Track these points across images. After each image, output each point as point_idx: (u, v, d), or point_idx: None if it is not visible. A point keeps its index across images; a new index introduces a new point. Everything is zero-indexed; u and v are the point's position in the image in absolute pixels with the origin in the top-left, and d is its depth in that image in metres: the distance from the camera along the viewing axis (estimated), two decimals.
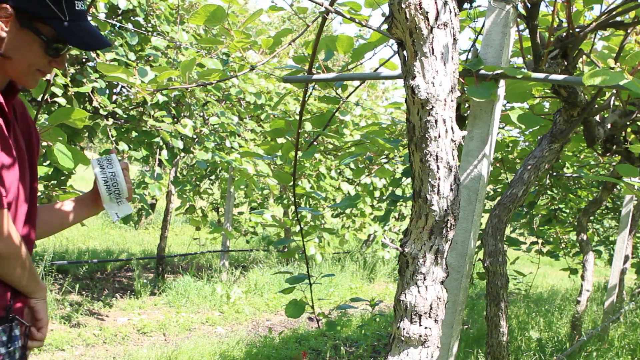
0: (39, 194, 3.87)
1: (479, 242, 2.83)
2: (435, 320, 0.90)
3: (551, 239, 5.47)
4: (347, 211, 6.68)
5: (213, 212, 9.40)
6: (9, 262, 1.16)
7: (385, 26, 1.80)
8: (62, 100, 3.63)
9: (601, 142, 2.61)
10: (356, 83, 2.42)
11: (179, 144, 4.49)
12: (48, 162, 3.16)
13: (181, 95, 4.75)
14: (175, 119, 4.73)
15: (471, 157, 1.57)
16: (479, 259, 2.42)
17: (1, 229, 1.12)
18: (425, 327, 0.89)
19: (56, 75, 3.46)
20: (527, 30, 1.74)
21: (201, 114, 5.40)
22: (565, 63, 1.79)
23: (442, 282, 0.90)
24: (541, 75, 1.56)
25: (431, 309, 0.89)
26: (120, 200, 1.38)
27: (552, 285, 10.38)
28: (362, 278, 8.62)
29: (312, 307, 2.38)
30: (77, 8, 1.15)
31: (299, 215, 3.80)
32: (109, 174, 1.34)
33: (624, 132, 2.64)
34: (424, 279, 0.89)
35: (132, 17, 4.60)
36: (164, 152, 4.64)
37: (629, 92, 2.09)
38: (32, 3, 1.11)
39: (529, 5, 1.69)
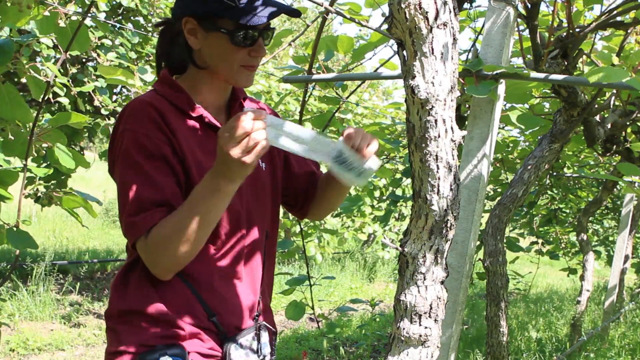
0: (39, 194, 3.88)
1: (479, 242, 2.83)
2: (435, 320, 0.90)
3: (551, 239, 5.47)
4: None
5: None
6: (172, 243, 1.07)
7: (385, 26, 1.80)
8: (64, 100, 3.63)
9: (601, 142, 2.61)
10: (357, 83, 2.42)
11: None
12: (48, 162, 3.16)
13: None
14: None
15: (471, 157, 1.57)
16: (479, 259, 2.42)
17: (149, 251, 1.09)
18: (425, 327, 0.90)
19: (56, 75, 3.46)
20: (527, 30, 1.74)
21: None
22: (565, 63, 1.79)
23: (442, 282, 0.91)
24: (541, 75, 1.56)
25: (431, 308, 0.89)
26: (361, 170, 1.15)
27: (552, 285, 10.38)
28: (362, 278, 8.62)
29: (312, 308, 2.38)
30: None
31: None
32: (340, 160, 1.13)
33: (624, 132, 2.64)
34: (424, 279, 0.89)
35: (132, 17, 4.61)
36: None
37: (629, 91, 2.09)
38: (198, 3, 1.13)
39: (529, 5, 1.69)
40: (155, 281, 1.15)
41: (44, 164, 3.45)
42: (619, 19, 1.75)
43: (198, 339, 1.16)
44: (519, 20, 1.69)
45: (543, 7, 1.82)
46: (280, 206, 1.39)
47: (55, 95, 3.59)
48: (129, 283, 1.19)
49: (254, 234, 1.24)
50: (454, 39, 0.81)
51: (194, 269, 1.16)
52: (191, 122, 1.18)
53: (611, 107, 2.15)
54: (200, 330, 1.16)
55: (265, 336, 1.25)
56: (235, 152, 0.98)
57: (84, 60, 4.24)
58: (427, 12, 0.78)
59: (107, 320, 1.21)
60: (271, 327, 1.29)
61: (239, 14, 1.11)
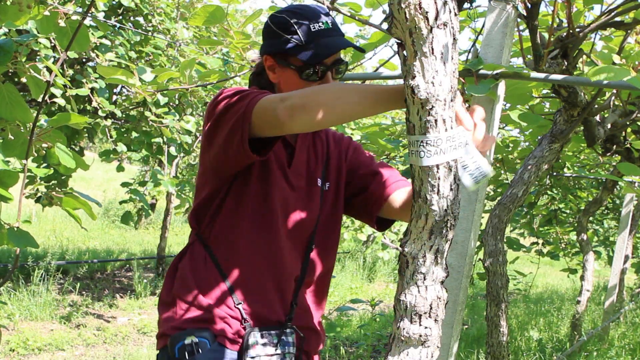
0: (39, 195, 3.87)
1: (479, 242, 2.83)
2: (435, 320, 0.90)
3: (551, 239, 5.47)
4: None
5: None
6: (319, 108, 1.06)
7: (385, 25, 1.80)
8: (61, 101, 3.63)
9: (601, 142, 2.61)
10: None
11: (188, 139, 4.48)
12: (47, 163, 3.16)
13: (182, 94, 4.75)
14: (179, 118, 4.73)
15: None
16: (479, 259, 2.41)
17: (279, 98, 1.11)
18: (425, 327, 0.89)
19: (56, 75, 3.46)
20: (527, 30, 1.74)
21: (202, 114, 5.40)
22: (566, 63, 1.79)
23: (442, 282, 0.90)
24: (541, 75, 1.56)
25: (431, 308, 0.89)
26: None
27: (552, 285, 10.38)
28: (362, 278, 8.62)
29: None
30: (313, 30, 1.27)
31: None
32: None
33: (624, 132, 2.64)
34: (424, 279, 0.89)
35: (132, 17, 4.60)
36: (172, 149, 4.64)
37: (629, 91, 2.09)
38: (278, 46, 1.28)
39: (529, 5, 1.69)
40: (196, 270, 1.30)
41: (44, 164, 3.45)
42: (618, 19, 1.75)
43: (226, 323, 1.27)
44: (519, 20, 1.69)
45: (543, 7, 1.82)
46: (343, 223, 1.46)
47: (52, 96, 3.59)
48: (177, 272, 1.34)
49: (295, 242, 1.33)
50: (454, 39, 0.81)
51: (229, 263, 1.29)
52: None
53: (611, 107, 2.15)
54: (227, 315, 1.27)
55: (291, 337, 1.31)
56: None
57: (83, 60, 4.24)
58: (427, 12, 0.77)
59: (158, 306, 1.37)
60: (300, 333, 1.34)
61: (305, 53, 1.26)
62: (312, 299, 1.41)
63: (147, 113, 4.37)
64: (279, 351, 1.28)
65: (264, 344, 1.27)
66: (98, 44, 3.94)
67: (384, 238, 1.01)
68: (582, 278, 4.43)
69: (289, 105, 1.08)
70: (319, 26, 1.27)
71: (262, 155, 1.20)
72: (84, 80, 3.97)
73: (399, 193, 1.38)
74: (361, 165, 1.44)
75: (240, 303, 1.28)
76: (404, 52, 0.83)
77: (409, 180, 1.37)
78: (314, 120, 1.06)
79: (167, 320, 1.31)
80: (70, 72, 3.95)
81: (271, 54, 1.30)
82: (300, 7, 1.30)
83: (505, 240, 2.30)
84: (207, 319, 1.27)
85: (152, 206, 10.97)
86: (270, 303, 1.31)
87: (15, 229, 1.45)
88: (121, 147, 4.41)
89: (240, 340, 1.26)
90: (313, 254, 1.37)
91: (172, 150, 4.64)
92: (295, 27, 1.26)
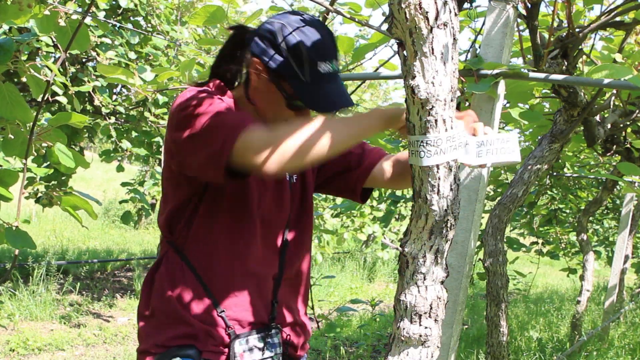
0: (39, 194, 3.87)
1: (479, 242, 2.83)
2: (435, 320, 0.90)
3: (551, 239, 5.47)
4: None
5: None
6: (297, 157, 1.06)
7: (385, 26, 1.80)
8: (63, 99, 3.63)
9: (601, 142, 2.61)
10: (357, 83, 2.42)
11: None
12: (48, 162, 3.16)
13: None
14: None
15: None
16: (479, 259, 2.41)
17: (256, 142, 1.07)
18: (425, 327, 0.89)
19: (56, 75, 3.46)
20: (527, 30, 1.74)
21: None
22: (565, 63, 1.79)
23: (442, 282, 0.91)
24: (541, 75, 1.56)
25: (431, 308, 0.89)
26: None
27: (552, 285, 10.38)
28: (362, 278, 8.62)
29: (312, 308, 2.38)
30: (321, 71, 1.19)
31: None
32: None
33: (624, 132, 2.64)
34: (424, 279, 0.89)
35: (131, 17, 4.60)
36: None
37: (629, 91, 2.09)
38: (277, 62, 1.18)
39: (529, 5, 1.69)
40: (174, 281, 1.25)
41: (44, 164, 3.45)
42: (618, 19, 1.75)
43: (210, 337, 1.22)
44: (519, 20, 1.69)
45: (543, 7, 1.82)
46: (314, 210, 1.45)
47: (54, 94, 3.59)
48: (154, 283, 1.29)
49: (270, 241, 1.31)
50: (454, 39, 0.81)
51: (206, 269, 1.25)
52: None
53: (611, 107, 2.15)
54: (210, 326, 1.23)
55: (276, 337, 1.29)
56: None
57: (83, 60, 4.24)
58: (427, 12, 0.77)
59: (137, 319, 1.32)
60: (284, 331, 1.33)
61: (303, 90, 1.18)
62: (293, 294, 1.38)
63: (146, 113, 4.37)
64: (266, 355, 1.26)
65: (250, 350, 1.24)
66: (98, 43, 3.95)
67: (384, 238, 1.01)
68: (582, 278, 4.43)
69: (278, 157, 1.05)
70: (327, 68, 1.20)
71: (239, 179, 1.14)
72: (85, 79, 3.97)
73: (381, 165, 1.39)
74: None
75: (223, 311, 1.24)
76: (404, 52, 0.83)
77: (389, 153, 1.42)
78: (303, 164, 1.08)
79: (148, 336, 1.27)
80: (72, 70, 3.95)
81: (264, 63, 1.20)
82: (318, 41, 1.19)
83: (505, 240, 2.30)
84: (190, 335, 1.22)
85: (152, 206, 10.96)
86: (251, 305, 1.27)
87: (14, 228, 1.45)
88: (125, 143, 4.40)
89: (227, 350, 1.23)
90: (289, 250, 1.34)
91: None
92: (306, 60, 1.17)
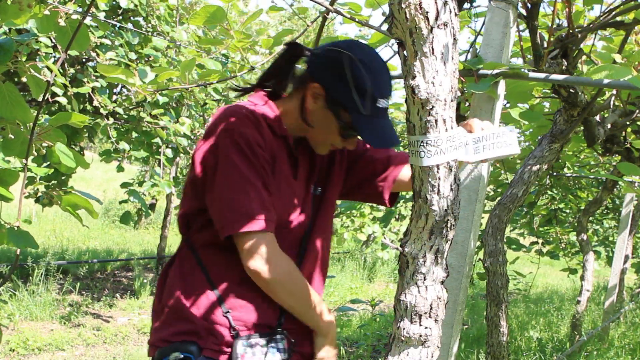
0: (39, 194, 3.87)
1: (479, 242, 2.82)
2: (436, 320, 0.90)
3: (551, 239, 5.47)
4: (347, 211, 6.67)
5: None
6: (275, 287, 1.23)
7: (385, 26, 1.80)
8: (62, 100, 3.63)
9: (601, 142, 2.61)
10: None
11: (184, 142, 4.48)
12: (48, 162, 3.16)
13: (181, 95, 4.75)
14: (175, 120, 4.73)
15: None
16: (479, 259, 2.41)
17: (264, 253, 1.19)
18: (426, 327, 0.90)
19: (56, 75, 3.47)
20: (527, 31, 1.74)
21: (201, 114, 5.40)
22: (565, 63, 1.79)
23: (442, 282, 0.91)
24: (541, 75, 1.56)
25: (431, 309, 0.89)
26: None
27: (552, 285, 10.38)
28: (362, 278, 8.63)
29: None
30: (379, 105, 1.23)
31: None
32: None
33: (624, 132, 2.64)
34: (424, 279, 0.89)
35: (131, 17, 4.60)
36: (168, 151, 4.64)
37: (629, 91, 2.09)
38: (339, 92, 1.23)
39: (529, 5, 1.69)
40: (184, 278, 1.30)
41: (44, 164, 3.45)
42: (618, 19, 1.75)
43: (212, 335, 1.25)
44: (519, 20, 1.69)
45: (543, 8, 1.82)
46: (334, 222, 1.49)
47: (54, 95, 3.59)
48: (166, 280, 1.34)
49: (286, 248, 1.31)
50: (454, 39, 0.81)
51: (218, 271, 1.28)
52: (277, 139, 1.31)
53: (611, 107, 2.15)
54: (213, 325, 1.25)
55: (281, 343, 1.30)
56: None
57: (83, 60, 4.23)
58: (427, 12, 0.77)
59: (151, 313, 1.38)
60: (291, 337, 1.33)
61: (361, 121, 1.23)
62: None
63: (142, 114, 4.37)
64: (268, 358, 1.27)
65: (253, 352, 1.25)
66: (98, 44, 3.95)
67: (384, 238, 1.02)
68: (582, 278, 4.43)
69: (257, 278, 1.21)
70: (384, 104, 1.25)
71: None
72: (84, 80, 3.97)
73: (406, 168, 1.45)
74: (361, 156, 1.46)
75: (229, 311, 1.26)
76: (404, 52, 0.83)
77: None
78: (269, 292, 1.24)
79: (156, 330, 1.31)
80: (72, 71, 3.95)
81: (326, 90, 1.25)
82: (381, 77, 1.24)
83: (505, 240, 2.30)
84: (193, 332, 1.25)
85: (152, 206, 10.95)
86: (259, 309, 1.29)
87: (16, 228, 1.45)
88: (123, 145, 4.41)
89: (229, 350, 1.24)
90: (305, 258, 1.36)
91: (169, 152, 4.64)
92: (369, 95, 1.21)
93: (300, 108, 1.30)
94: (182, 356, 1.22)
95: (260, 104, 1.31)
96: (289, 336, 1.31)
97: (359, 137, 1.29)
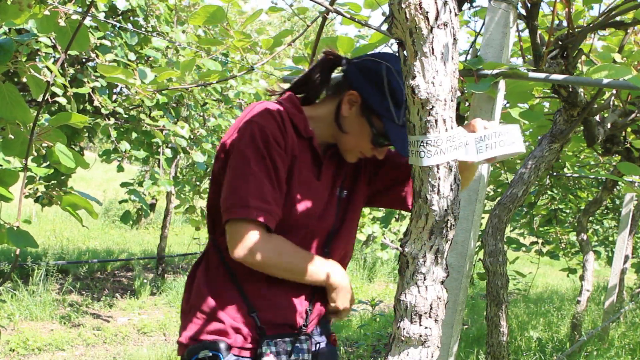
0: (39, 194, 3.87)
1: (479, 242, 2.82)
2: (436, 320, 0.90)
3: (551, 239, 5.47)
4: None
5: None
6: (264, 270, 1.26)
7: (385, 26, 1.80)
8: (62, 100, 3.63)
9: (601, 142, 2.61)
10: None
11: (183, 143, 4.48)
12: (48, 162, 3.16)
13: (181, 95, 4.74)
14: (175, 120, 4.73)
15: None
16: (479, 259, 2.41)
17: (248, 241, 1.21)
18: (426, 327, 0.90)
19: (56, 75, 3.46)
20: (527, 30, 1.74)
21: (201, 114, 5.40)
22: (565, 63, 1.79)
23: (442, 282, 0.91)
24: (541, 75, 1.56)
25: (431, 309, 0.89)
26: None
27: (552, 285, 10.38)
28: (362, 278, 8.62)
29: None
30: None
31: None
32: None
33: (624, 132, 2.64)
34: (424, 279, 0.89)
35: (131, 18, 4.60)
36: (167, 151, 4.65)
37: (629, 91, 2.09)
38: (375, 100, 1.27)
39: (529, 5, 1.69)
40: (210, 279, 1.34)
41: (44, 164, 3.45)
42: (618, 19, 1.75)
43: (239, 334, 1.29)
44: (519, 20, 1.69)
45: (543, 7, 1.82)
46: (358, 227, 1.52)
47: (54, 95, 3.59)
48: (194, 280, 1.37)
49: (309, 249, 1.34)
50: (454, 39, 0.81)
51: (244, 272, 1.30)
52: (301, 140, 1.34)
53: (611, 107, 2.15)
54: (240, 324, 1.29)
55: (305, 344, 1.33)
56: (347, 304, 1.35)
57: (83, 60, 4.23)
58: (427, 12, 0.77)
59: (180, 314, 1.41)
60: (314, 338, 1.37)
61: (394, 129, 1.26)
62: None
63: (141, 115, 4.37)
64: (292, 359, 1.30)
65: (277, 353, 1.28)
66: (98, 45, 3.94)
67: (384, 238, 1.02)
68: (582, 278, 4.43)
69: (252, 260, 1.23)
70: None
71: None
72: (84, 80, 3.97)
73: None
74: (385, 161, 1.47)
75: (255, 312, 1.29)
76: (404, 52, 0.83)
77: None
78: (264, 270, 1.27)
79: (185, 329, 1.34)
80: (72, 71, 3.95)
81: (363, 98, 1.29)
82: None
83: (505, 240, 2.30)
84: (221, 331, 1.29)
85: (152, 206, 10.96)
86: (285, 310, 1.32)
87: (15, 228, 1.45)
88: (124, 145, 4.41)
89: (255, 348, 1.28)
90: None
91: (168, 152, 4.64)
92: (403, 106, 1.24)
93: (335, 113, 1.34)
94: (210, 354, 1.26)
95: (289, 105, 1.34)
96: (312, 337, 1.35)
97: (390, 147, 1.32)
